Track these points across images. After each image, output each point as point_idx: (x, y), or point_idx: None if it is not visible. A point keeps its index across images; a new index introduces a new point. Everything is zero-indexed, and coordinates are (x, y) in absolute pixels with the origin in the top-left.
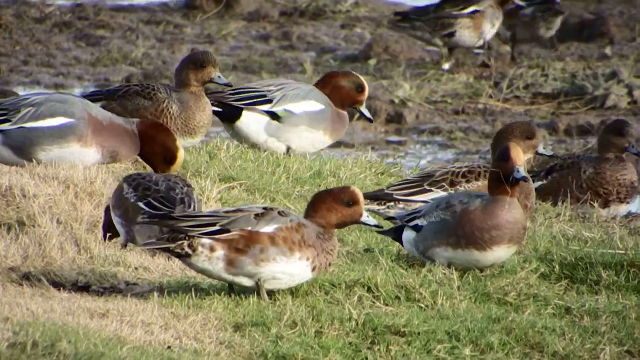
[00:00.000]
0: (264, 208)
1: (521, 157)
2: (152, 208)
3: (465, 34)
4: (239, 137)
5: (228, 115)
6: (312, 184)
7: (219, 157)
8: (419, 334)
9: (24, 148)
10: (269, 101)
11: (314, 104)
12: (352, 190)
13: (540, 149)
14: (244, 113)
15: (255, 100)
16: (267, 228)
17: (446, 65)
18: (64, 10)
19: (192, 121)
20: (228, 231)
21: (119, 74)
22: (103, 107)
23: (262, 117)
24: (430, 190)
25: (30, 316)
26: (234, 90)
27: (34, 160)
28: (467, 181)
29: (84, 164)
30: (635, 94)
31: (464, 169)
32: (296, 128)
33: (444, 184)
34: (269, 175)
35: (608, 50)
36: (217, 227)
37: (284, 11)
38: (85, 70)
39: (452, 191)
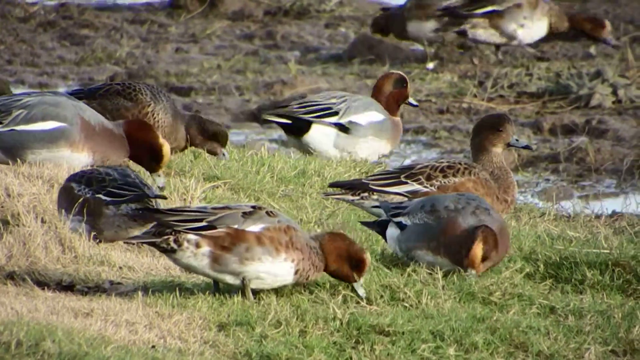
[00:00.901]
0: (252, 207)
1: (479, 259)
2: (114, 196)
3: (480, 32)
4: (305, 149)
5: (296, 128)
6: (297, 183)
7: (203, 157)
8: (403, 333)
9: (13, 150)
10: (336, 113)
11: (376, 114)
12: (366, 260)
13: (512, 141)
14: (313, 126)
15: (322, 113)
16: (254, 227)
17: (431, 65)
18: (48, 10)
19: (171, 140)
20: (214, 228)
21: (103, 73)
22: None
23: (331, 129)
24: (406, 183)
25: (15, 315)
26: (300, 104)
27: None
28: (445, 176)
29: (72, 168)
30: (619, 93)
31: (444, 164)
32: (364, 139)
33: (420, 177)
34: (253, 175)
35: (593, 50)
36: (203, 223)
37: (268, 10)
38: (70, 70)
39: (428, 185)
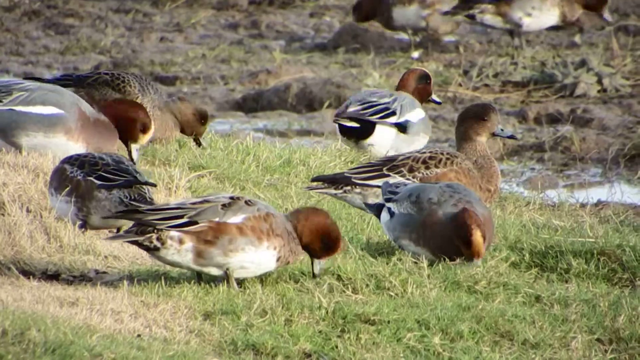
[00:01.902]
0: (231, 198)
1: (482, 245)
2: (105, 180)
3: (487, 17)
4: (367, 150)
5: (362, 130)
6: (282, 172)
7: (189, 146)
8: (388, 322)
9: (8, 131)
10: (394, 113)
11: (420, 111)
12: (340, 245)
13: (497, 131)
14: (377, 127)
15: (384, 113)
16: (235, 218)
17: (415, 54)
18: None
19: (159, 132)
20: (196, 223)
21: (88, 62)
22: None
23: (392, 129)
24: (388, 175)
25: (0, 304)
26: (361, 105)
27: (14, 145)
28: (427, 168)
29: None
30: (604, 82)
31: (426, 155)
32: (417, 136)
33: (402, 169)
34: (238, 164)
35: (577, 39)
36: (185, 220)
37: (252, 0)
38: (55, 59)
39: (411, 177)
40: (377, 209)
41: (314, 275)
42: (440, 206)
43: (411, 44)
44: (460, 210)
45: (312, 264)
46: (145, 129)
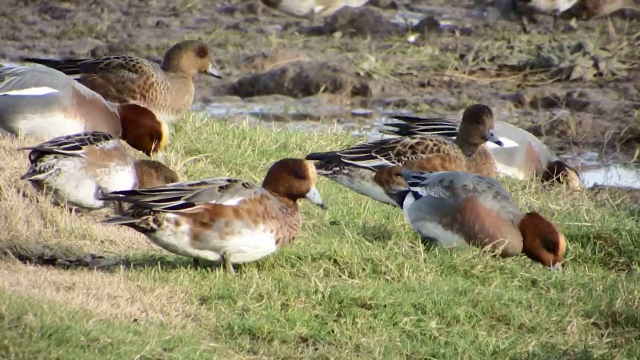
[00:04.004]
0: (228, 180)
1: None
2: None
3: (541, 2)
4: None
5: None
6: (278, 156)
7: (185, 130)
8: (385, 306)
9: (4, 115)
10: None
11: None
12: (304, 164)
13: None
14: None
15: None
16: (231, 201)
17: (412, 38)
18: None
19: (180, 101)
20: (192, 205)
21: (84, 47)
22: (81, 79)
23: None
24: (376, 158)
25: None
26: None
27: (11, 130)
28: (413, 153)
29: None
30: (600, 66)
31: (415, 141)
32: None
33: (390, 152)
34: (234, 148)
35: (573, 23)
36: (181, 201)
37: None
38: (51, 44)
39: (396, 160)
40: (399, 196)
41: (322, 207)
42: (479, 194)
43: (408, 28)
44: (531, 214)
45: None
46: (159, 138)
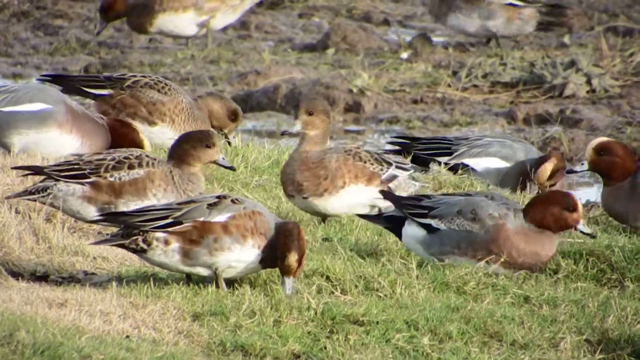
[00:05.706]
0: (217, 197)
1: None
2: None
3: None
4: None
5: None
6: (271, 173)
7: None
8: (377, 323)
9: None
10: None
11: None
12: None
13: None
14: None
15: None
16: (220, 217)
17: (404, 54)
18: (22, 0)
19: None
20: (181, 223)
21: (77, 63)
22: (109, 95)
23: None
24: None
25: None
26: None
27: (5, 147)
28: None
29: (60, 153)
30: (593, 83)
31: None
32: None
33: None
34: None
35: (567, 39)
36: (170, 220)
37: None
38: (44, 60)
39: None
40: (389, 221)
41: (286, 295)
42: (506, 220)
43: (400, 45)
44: (531, 203)
45: (282, 283)
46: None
